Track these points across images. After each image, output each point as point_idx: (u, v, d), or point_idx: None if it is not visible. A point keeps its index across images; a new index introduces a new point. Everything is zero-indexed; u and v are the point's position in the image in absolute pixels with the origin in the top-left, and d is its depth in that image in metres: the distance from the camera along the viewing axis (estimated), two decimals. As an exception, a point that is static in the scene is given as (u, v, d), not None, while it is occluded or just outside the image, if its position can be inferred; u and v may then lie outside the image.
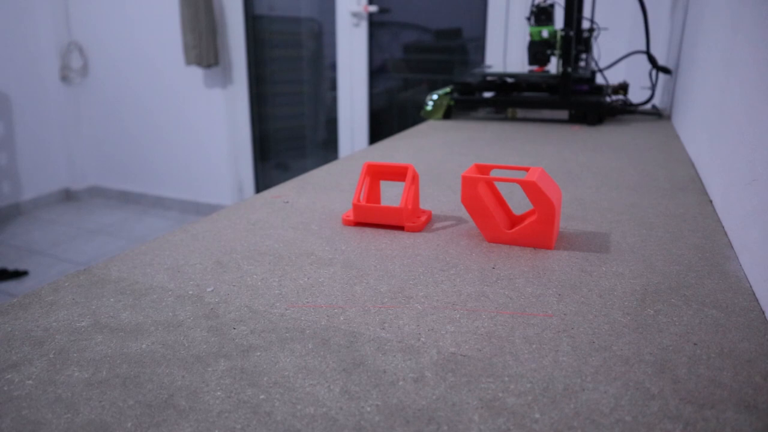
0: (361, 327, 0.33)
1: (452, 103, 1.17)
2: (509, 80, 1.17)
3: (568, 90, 1.08)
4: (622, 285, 0.38)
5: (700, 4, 0.95)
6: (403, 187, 0.63)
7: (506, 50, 2.28)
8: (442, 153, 0.82)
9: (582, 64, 1.20)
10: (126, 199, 3.42)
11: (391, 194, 0.61)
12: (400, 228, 0.50)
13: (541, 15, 1.13)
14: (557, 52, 1.12)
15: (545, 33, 1.14)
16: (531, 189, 0.44)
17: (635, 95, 1.23)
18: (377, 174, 0.54)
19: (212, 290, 0.38)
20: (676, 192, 0.61)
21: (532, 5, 1.14)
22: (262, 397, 0.27)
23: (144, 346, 0.31)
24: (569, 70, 1.06)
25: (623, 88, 1.18)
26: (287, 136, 3.07)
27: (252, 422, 0.25)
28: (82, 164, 3.43)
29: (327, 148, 2.92)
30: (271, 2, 2.84)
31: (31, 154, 3.17)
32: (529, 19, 1.15)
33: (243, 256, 0.44)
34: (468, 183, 0.46)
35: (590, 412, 0.25)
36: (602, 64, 1.28)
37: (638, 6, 1.19)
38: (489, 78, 1.18)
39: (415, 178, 0.51)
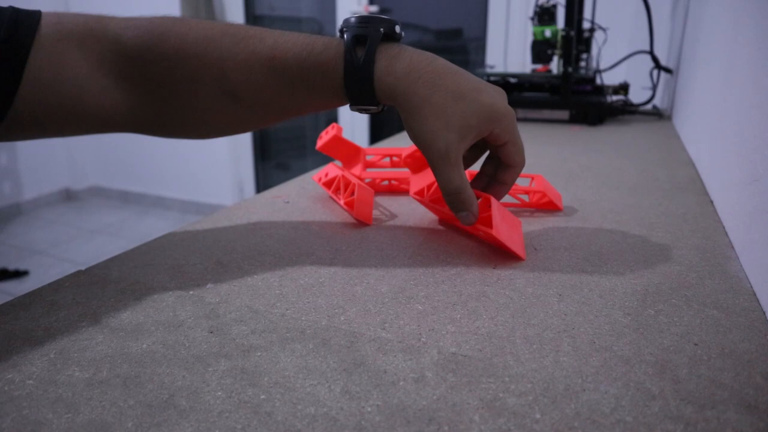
0: (361, 327, 0.33)
1: (453, 103, 1.16)
2: (512, 80, 1.17)
3: (569, 90, 1.08)
4: (623, 285, 0.38)
5: (701, 5, 0.94)
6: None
7: (507, 50, 2.28)
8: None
9: (582, 64, 1.20)
10: (126, 199, 3.42)
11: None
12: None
13: (544, 15, 1.14)
14: (558, 51, 1.12)
15: (548, 33, 1.14)
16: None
17: (636, 95, 1.23)
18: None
19: (212, 290, 0.38)
20: (676, 192, 0.61)
21: (536, 5, 1.15)
22: (262, 397, 0.27)
23: (144, 346, 0.31)
24: (570, 70, 1.06)
25: (624, 88, 1.18)
26: (287, 136, 3.07)
27: (252, 422, 0.25)
28: (82, 164, 3.43)
29: (327, 148, 2.92)
30: (271, 2, 2.84)
31: (31, 154, 3.17)
32: (532, 19, 1.16)
33: (243, 256, 0.43)
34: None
35: (591, 413, 0.25)
36: (603, 65, 1.28)
37: (638, 6, 1.19)
38: (492, 78, 1.18)
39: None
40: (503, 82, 1.17)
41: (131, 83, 0.42)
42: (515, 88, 1.17)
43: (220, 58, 0.41)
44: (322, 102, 0.43)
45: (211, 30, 0.42)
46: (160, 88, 0.42)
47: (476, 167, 0.48)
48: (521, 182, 0.60)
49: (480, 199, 0.44)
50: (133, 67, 0.41)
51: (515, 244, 0.43)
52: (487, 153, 0.46)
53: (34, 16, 0.39)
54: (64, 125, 0.42)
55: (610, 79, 1.25)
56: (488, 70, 1.22)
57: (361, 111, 0.43)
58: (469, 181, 0.48)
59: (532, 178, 0.58)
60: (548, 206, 0.56)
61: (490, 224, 0.42)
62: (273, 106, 0.44)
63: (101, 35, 0.41)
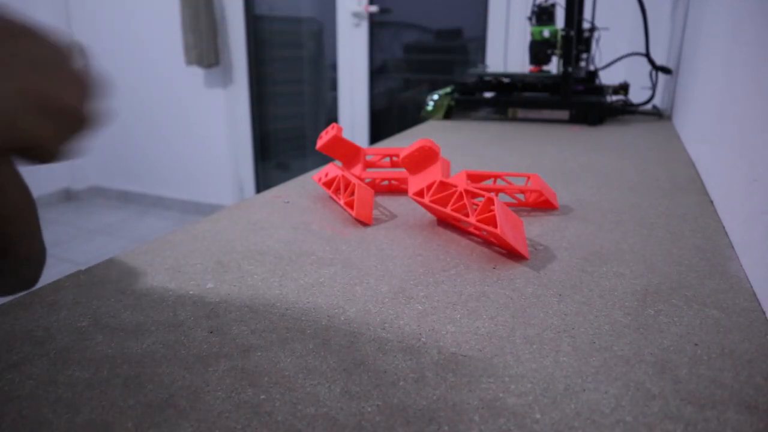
0: (361, 327, 0.33)
1: (453, 103, 1.17)
2: (505, 80, 1.17)
3: (569, 90, 1.08)
4: (623, 285, 0.38)
5: (701, 5, 0.95)
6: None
7: (506, 50, 2.28)
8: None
9: (582, 64, 1.20)
10: (126, 199, 3.42)
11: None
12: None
13: (542, 15, 1.14)
14: (558, 51, 1.12)
15: (546, 33, 1.14)
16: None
17: (636, 95, 1.23)
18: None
19: (212, 290, 0.38)
20: (676, 192, 0.61)
21: (534, 5, 1.15)
22: (262, 397, 0.27)
23: (144, 346, 0.31)
24: (570, 70, 1.06)
25: (624, 88, 1.18)
26: (287, 136, 3.07)
27: (252, 422, 0.25)
28: (82, 164, 3.43)
29: (327, 148, 2.91)
30: (271, 2, 2.84)
31: (31, 154, 3.16)
32: (530, 19, 1.16)
33: (243, 256, 0.43)
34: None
35: (591, 413, 0.25)
36: (600, 65, 1.28)
37: (639, 6, 1.19)
38: (485, 78, 1.18)
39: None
40: (496, 82, 1.17)
41: None
42: (514, 88, 1.17)
43: None
44: None
45: None
46: None
47: (470, 167, 0.48)
48: (517, 182, 0.60)
49: (483, 200, 0.44)
50: None
51: (519, 244, 0.43)
52: None
53: None
54: None
55: (610, 79, 1.25)
56: (479, 70, 1.22)
57: None
58: (470, 184, 0.47)
59: (528, 177, 0.58)
60: (545, 205, 0.56)
61: (494, 224, 0.42)
62: None
63: None
